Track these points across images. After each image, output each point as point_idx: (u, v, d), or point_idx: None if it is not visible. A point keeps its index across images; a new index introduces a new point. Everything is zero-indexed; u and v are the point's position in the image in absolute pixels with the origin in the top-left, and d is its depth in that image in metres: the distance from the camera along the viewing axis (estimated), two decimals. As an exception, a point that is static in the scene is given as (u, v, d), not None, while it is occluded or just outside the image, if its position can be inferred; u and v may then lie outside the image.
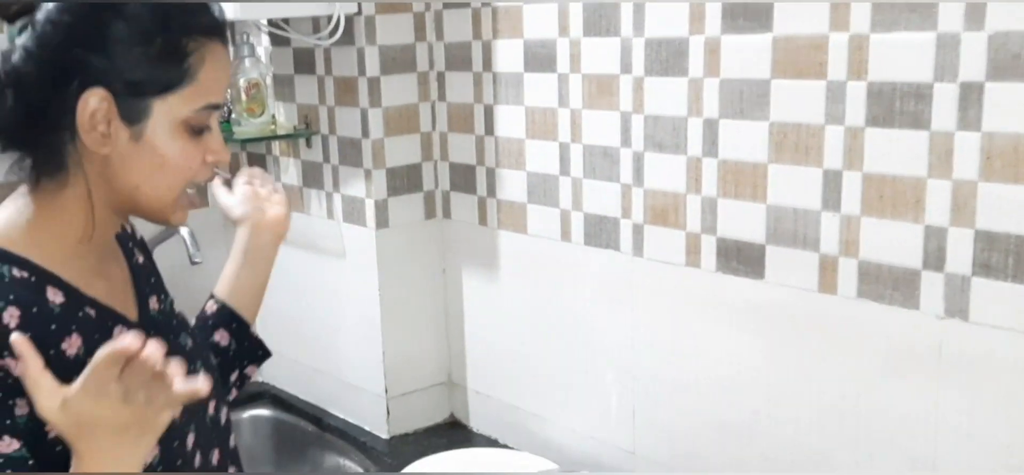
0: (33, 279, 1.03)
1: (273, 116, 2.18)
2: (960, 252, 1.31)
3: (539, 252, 1.90)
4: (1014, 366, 1.28)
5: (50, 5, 1.00)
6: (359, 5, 1.94)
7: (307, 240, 2.19)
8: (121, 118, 1.02)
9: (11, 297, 1.00)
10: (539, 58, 1.82)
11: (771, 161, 1.49)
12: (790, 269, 1.50)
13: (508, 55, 1.88)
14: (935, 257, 1.33)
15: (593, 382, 1.85)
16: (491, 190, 1.97)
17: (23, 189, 1.07)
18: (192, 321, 1.32)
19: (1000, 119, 1.24)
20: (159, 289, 1.22)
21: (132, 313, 1.13)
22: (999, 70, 1.23)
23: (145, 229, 1.25)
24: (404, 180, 2.04)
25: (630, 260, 1.73)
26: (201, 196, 2.18)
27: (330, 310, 2.20)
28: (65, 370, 0.98)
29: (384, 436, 2.11)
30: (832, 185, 1.42)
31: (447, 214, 2.09)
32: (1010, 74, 1.23)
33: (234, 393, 1.42)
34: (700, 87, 1.56)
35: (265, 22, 2.10)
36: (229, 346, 1.38)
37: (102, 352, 0.92)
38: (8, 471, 0.97)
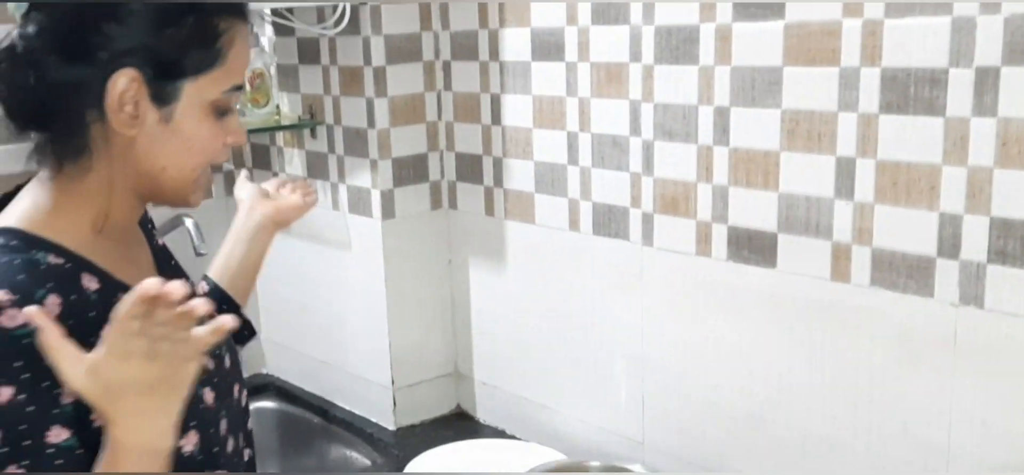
0: (69, 266, 1.02)
1: (277, 106, 2.17)
2: (975, 239, 1.30)
3: (547, 242, 1.89)
4: (1030, 354, 1.28)
5: None
6: (365, -6, 1.93)
7: (312, 231, 2.18)
8: (151, 99, 1.01)
9: (50, 285, 0.98)
10: (547, 46, 1.81)
11: (783, 149, 1.48)
12: (802, 257, 1.49)
13: (515, 44, 1.87)
14: (950, 244, 1.32)
15: (602, 372, 1.84)
16: (498, 180, 1.96)
17: (42, 176, 1.05)
18: None
19: (1016, 105, 1.23)
20: (180, 272, 1.21)
21: None
22: (1015, 54, 1.22)
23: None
24: (410, 170, 2.03)
25: (639, 249, 1.72)
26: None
27: (336, 301, 2.19)
28: None
29: (391, 427, 2.10)
30: (845, 173, 1.42)
31: (453, 204, 2.08)
32: (1027, 59, 1.22)
33: None
34: (711, 75, 1.55)
35: (269, 12, 2.09)
36: None
37: (122, 305, 0.91)
38: (60, 462, 0.96)
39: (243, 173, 1.57)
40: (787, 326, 1.53)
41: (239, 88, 1.07)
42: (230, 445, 1.16)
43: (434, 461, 1.88)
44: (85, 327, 0.98)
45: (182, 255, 1.56)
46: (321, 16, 2.01)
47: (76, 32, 0.99)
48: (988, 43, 1.24)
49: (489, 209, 2.00)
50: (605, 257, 1.79)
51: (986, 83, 1.25)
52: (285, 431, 2.30)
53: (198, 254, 2.00)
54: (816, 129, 1.44)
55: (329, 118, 2.09)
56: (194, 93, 1.03)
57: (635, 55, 1.66)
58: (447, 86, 2.02)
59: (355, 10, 1.93)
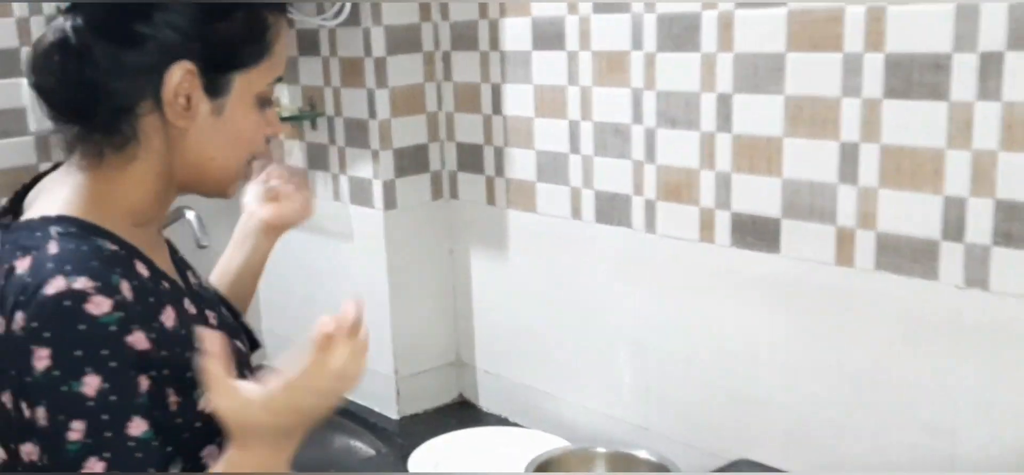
0: (123, 253, 1.02)
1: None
2: (980, 222, 1.31)
3: (549, 231, 1.90)
4: (1035, 335, 1.29)
5: None
6: (365, -15, 1.93)
7: (313, 223, 2.15)
8: (204, 91, 1.02)
9: (118, 270, 0.98)
10: (547, 36, 1.81)
11: (786, 135, 1.49)
12: (806, 242, 1.50)
13: (515, 33, 1.87)
14: (954, 228, 1.34)
15: (605, 359, 1.85)
16: (499, 169, 1.97)
17: (74, 166, 1.05)
18: None
19: (1021, 89, 1.24)
20: (186, 265, 1.22)
21: (181, 286, 1.13)
22: (1020, 39, 1.23)
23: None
24: (411, 161, 2.03)
25: (643, 237, 1.73)
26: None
27: (338, 292, 2.19)
28: (168, 343, 0.99)
29: (394, 416, 2.11)
30: (849, 158, 1.42)
31: (454, 194, 2.08)
32: (1031, 43, 1.23)
33: None
34: (713, 62, 1.56)
35: (268, 3, 2.09)
36: None
37: (321, 336, 0.94)
38: (140, 455, 0.95)
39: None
40: (791, 311, 1.54)
41: (280, 80, 1.10)
42: None
43: (437, 450, 1.88)
44: (149, 311, 0.99)
45: (184, 247, 1.56)
46: (321, 8, 2.01)
47: (130, 24, 0.99)
48: (992, 28, 1.25)
49: (490, 198, 2.00)
50: (608, 245, 1.80)
51: (990, 68, 1.26)
52: (287, 422, 2.30)
53: (200, 246, 2.00)
54: (820, 114, 1.45)
55: (329, 109, 2.09)
56: (244, 85, 1.05)
57: (637, 43, 1.66)
58: (447, 76, 2.02)
59: (355, 2, 1.93)
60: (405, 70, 1.99)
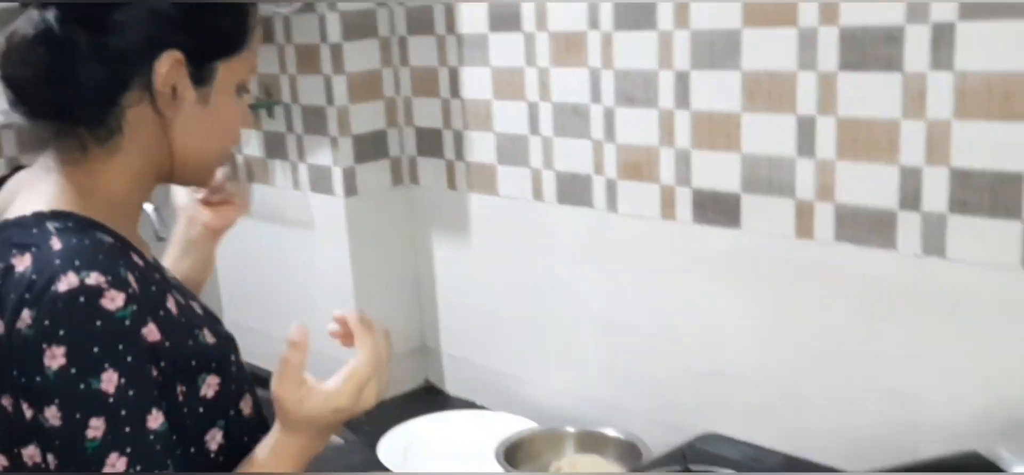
0: (120, 246, 1.01)
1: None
2: (936, 191, 1.33)
3: (511, 213, 1.90)
4: (992, 301, 1.31)
5: None
6: (318, -29, 1.91)
7: (273, 212, 2.17)
8: (190, 80, 1.01)
9: (122, 262, 0.97)
10: (504, 18, 1.81)
11: (744, 110, 1.50)
12: (766, 216, 1.51)
13: (472, 16, 1.86)
14: (911, 197, 1.35)
15: (570, 340, 1.86)
16: (459, 153, 1.96)
17: (53, 161, 1.03)
18: None
19: (973, 58, 1.26)
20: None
21: (169, 276, 1.12)
22: (971, 10, 1.25)
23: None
24: (370, 147, 2.02)
25: (604, 216, 1.73)
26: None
27: (301, 281, 2.18)
28: (172, 333, 0.99)
29: (361, 405, 2.10)
30: (806, 131, 1.44)
31: (415, 180, 2.07)
32: (982, 13, 1.24)
33: None
34: (670, 40, 1.56)
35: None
36: None
37: (373, 353, 1.08)
38: (159, 447, 0.96)
39: None
40: (753, 285, 1.56)
41: (254, 70, 1.09)
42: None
43: (406, 436, 1.88)
44: (155, 298, 0.99)
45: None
46: (274, -5, 1.99)
47: (114, 13, 0.98)
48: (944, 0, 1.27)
49: (451, 182, 2.00)
50: (570, 225, 1.80)
51: (942, 38, 1.28)
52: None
53: (159, 238, 1.97)
54: (776, 89, 1.46)
55: (286, 97, 2.07)
56: (227, 74, 1.05)
57: (593, 23, 1.66)
58: (404, 61, 2.01)
59: (309, -12, 1.92)
60: (362, 56, 1.98)
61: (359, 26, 1.96)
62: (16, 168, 1.10)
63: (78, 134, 1.01)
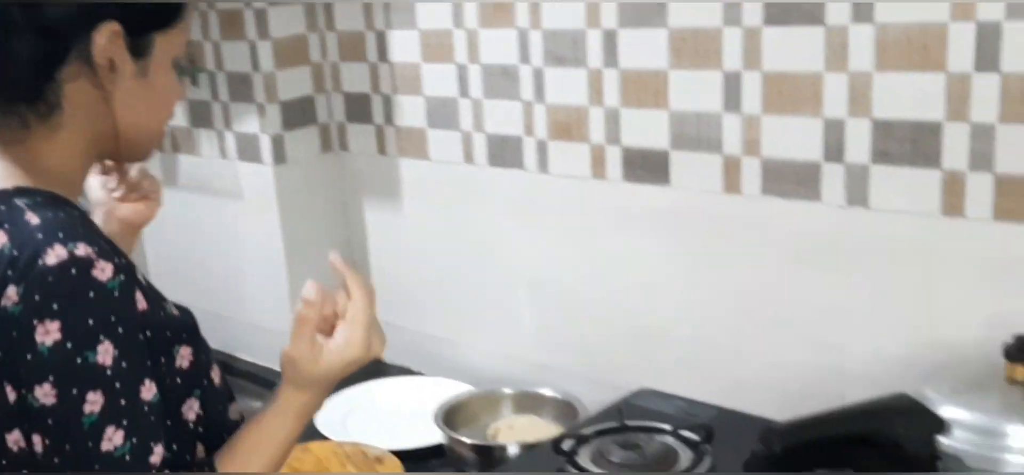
0: (86, 218, 0.99)
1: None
2: (859, 142, 1.35)
3: (442, 177, 1.89)
4: (915, 248, 1.34)
5: None
6: (240, -65, 1.87)
7: (200, 182, 2.13)
8: (129, 52, 0.98)
9: (97, 232, 0.95)
10: (431, -21, 1.79)
11: (672, 68, 1.51)
12: (695, 173, 1.53)
13: (398, -21, 1.85)
14: (835, 149, 1.38)
15: (504, 302, 1.86)
16: (388, 118, 1.95)
17: None
18: None
19: (893, 10, 1.28)
20: None
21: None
22: (890, -38, 1.27)
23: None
24: (298, 113, 2.00)
25: (536, 177, 1.74)
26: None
27: (231, 253, 2.15)
28: (151, 302, 0.97)
29: (296, 375, 2.08)
30: (732, 87, 1.45)
31: (344, 146, 2.05)
32: (900, -35, 1.26)
33: None
34: (597, -2, 1.57)
35: (139, -41, 2.02)
36: None
37: (367, 294, 1.08)
38: (154, 418, 0.94)
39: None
40: (683, 241, 1.57)
41: (189, 42, 1.07)
42: None
43: (343, 404, 1.87)
44: (133, 270, 0.96)
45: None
46: (195, -40, 1.95)
47: None
48: (863, -49, 1.29)
49: (381, 148, 1.98)
50: (501, 187, 1.80)
51: (863, -10, 1.30)
52: (186, 388, 2.26)
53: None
54: (702, 46, 1.47)
55: (210, 64, 2.03)
56: (164, 46, 1.02)
57: (521, -17, 1.66)
58: (330, 26, 1.99)
59: (230, -48, 1.88)
60: (287, 20, 1.95)
61: (283, -9, 1.94)
62: None
63: (18, 112, 0.98)
